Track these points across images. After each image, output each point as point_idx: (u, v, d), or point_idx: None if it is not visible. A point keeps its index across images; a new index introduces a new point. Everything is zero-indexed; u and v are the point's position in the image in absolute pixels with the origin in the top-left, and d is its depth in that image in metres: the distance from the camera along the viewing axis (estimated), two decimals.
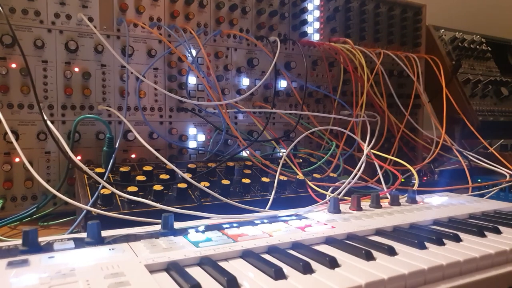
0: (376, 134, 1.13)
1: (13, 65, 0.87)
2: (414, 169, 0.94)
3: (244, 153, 1.01)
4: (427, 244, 0.55)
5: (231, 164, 0.91)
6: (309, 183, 0.89)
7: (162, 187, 0.76)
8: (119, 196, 0.73)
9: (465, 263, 0.51)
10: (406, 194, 0.83)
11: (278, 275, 0.44)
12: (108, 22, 0.95)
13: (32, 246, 0.49)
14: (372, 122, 1.15)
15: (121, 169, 0.80)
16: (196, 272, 0.45)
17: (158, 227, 0.59)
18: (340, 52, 1.19)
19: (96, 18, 0.94)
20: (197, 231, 0.59)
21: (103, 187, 0.73)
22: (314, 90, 1.22)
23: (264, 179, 0.88)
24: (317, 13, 1.24)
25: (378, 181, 0.96)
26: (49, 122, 0.78)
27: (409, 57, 1.32)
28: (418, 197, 0.84)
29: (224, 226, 0.61)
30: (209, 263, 0.47)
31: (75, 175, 0.84)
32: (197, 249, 0.50)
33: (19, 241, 0.51)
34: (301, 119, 1.11)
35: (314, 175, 0.96)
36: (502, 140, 1.76)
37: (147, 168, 0.83)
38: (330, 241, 0.57)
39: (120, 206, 0.72)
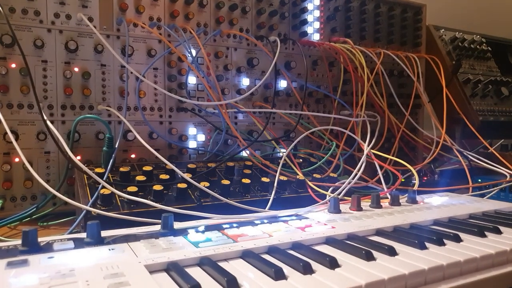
0: (376, 134, 1.13)
1: (13, 65, 0.87)
2: (414, 169, 0.94)
3: (244, 153, 1.01)
4: (427, 244, 0.55)
5: (231, 164, 0.91)
6: (309, 183, 0.88)
7: (162, 187, 0.76)
8: (119, 196, 0.72)
9: (466, 263, 0.51)
10: (407, 194, 0.83)
11: (278, 275, 0.44)
12: (108, 22, 0.95)
13: (32, 246, 0.49)
14: (372, 122, 1.15)
15: (121, 169, 0.80)
16: (196, 273, 0.45)
17: (158, 227, 0.59)
18: (340, 52, 1.19)
19: (96, 18, 0.94)
20: (197, 231, 0.58)
21: (103, 187, 0.72)
22: (314, 90, 1.22)
23: (264, 179, 0.88)
24: (317, 13, 1.23)
25: (378, 181, 0.95)
26: (48, 122, 0.78)
27: (409, 57, 1.32)
28: (418, 197, 0.84)
29: (224, 226, 0.61)
30: (209, 264, 0.46)
31: (75, 175, 0.84)
32: (197, 249, 0.50)
33: (18, 241, 0.51)
34: (301, 119, 1.11)
35: (314, 175, 0.96)
36: (503, 140, 1.76)
37: (147, 168, 0.83)
38: (330, 241, 0.57)
39: (120, 206, 0.72)
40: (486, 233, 0.62)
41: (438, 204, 0.81)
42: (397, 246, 0.54)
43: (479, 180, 1.10)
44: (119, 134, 0.92)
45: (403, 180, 1.02)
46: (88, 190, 0.75)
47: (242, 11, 1.10)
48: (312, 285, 0.43)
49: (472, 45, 1.58)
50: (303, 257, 0.50)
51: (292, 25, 1.19)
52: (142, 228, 0.60)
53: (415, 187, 0.86)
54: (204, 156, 1.07)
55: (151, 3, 0.99)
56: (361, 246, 0.53)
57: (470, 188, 1.04)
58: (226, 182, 0.81)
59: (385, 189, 0.90)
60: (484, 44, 1.62)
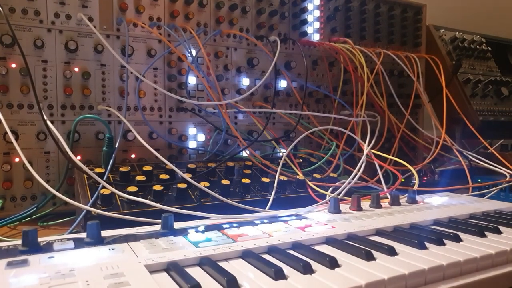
0: (376, 134, 1.13)
1: (13, 65, 0.86)
2: (414, 169, 0.94)
3: (244, 153, 1.01)
4: (427, 244, 0.55)
5: (231, 164, 0.91)
6: (309, 183, 0.88)
7: (162, 187, 0.76)
8: (119, 196, 0.72)
9: (466, 263, 0.51)
10: (406, 194, 0.83)
11: (278, 275, 0.44)
12: (107, 22, 0.95)
13: (32, 246, 0.49)
14: (372, 122, 1.14)
15: (121, 169, 0.80)
16: (196, 272, 0.45)
17: (158, 227, 0.59)
18: (340, 52, 1.19)
19: (95, 18, 0.94)
20: (197, 231, 0.58)
21: (103, 187, 0.72)
22: (314, 90, 1.22)
23: (264, 179, 0.88)
24: (317, 13, 1.23)
25: (378, 181, 0.95)
26: (48, 122, 0.78)
27: (409, 57, 1.32)
28: (418, 197, 0.84)
29: (224, 226, 0.61)
30: (209, 263, 0.46)
31: (75, 175, 0.84)
32: (197, 249, 0.50)
33: (18, 241, 0.51)
34: (301, 119, 1.11)
35: (314, 175, 0.96)
36: (503, 140, 1.76)
37: (147, 168, 0.83)
38: (330, 241, 0.57)
39: (120, 206, 0.72)
40: (486, 233, 0.62)
41: (438, 204, 0.81)
42: (397, 246, 0.54)
43: (479, 180, 1.10)
44: (119, 134, 0.92)
45: (403, 180, 1.02)
46: (88, 190, 0.75)
47: (242, 11, 1.10)
48: (312, 285, 0.43)
49: (472, 45, 1.58)
50: (303, 257, 0.50)
51: (292, 25, 1.19)
52: (142, 228, 0.60)
53: (415, 187, 0.86)
54: (204, 156, 1.07)
55: (151, 3, 0.99)
56: (361, 246, 0.53)
57: (470, 188, 1.04)
58: (226, 182, 0.81)
59: (385, 189, 0.90)
60: (484, 44, 1.62)
